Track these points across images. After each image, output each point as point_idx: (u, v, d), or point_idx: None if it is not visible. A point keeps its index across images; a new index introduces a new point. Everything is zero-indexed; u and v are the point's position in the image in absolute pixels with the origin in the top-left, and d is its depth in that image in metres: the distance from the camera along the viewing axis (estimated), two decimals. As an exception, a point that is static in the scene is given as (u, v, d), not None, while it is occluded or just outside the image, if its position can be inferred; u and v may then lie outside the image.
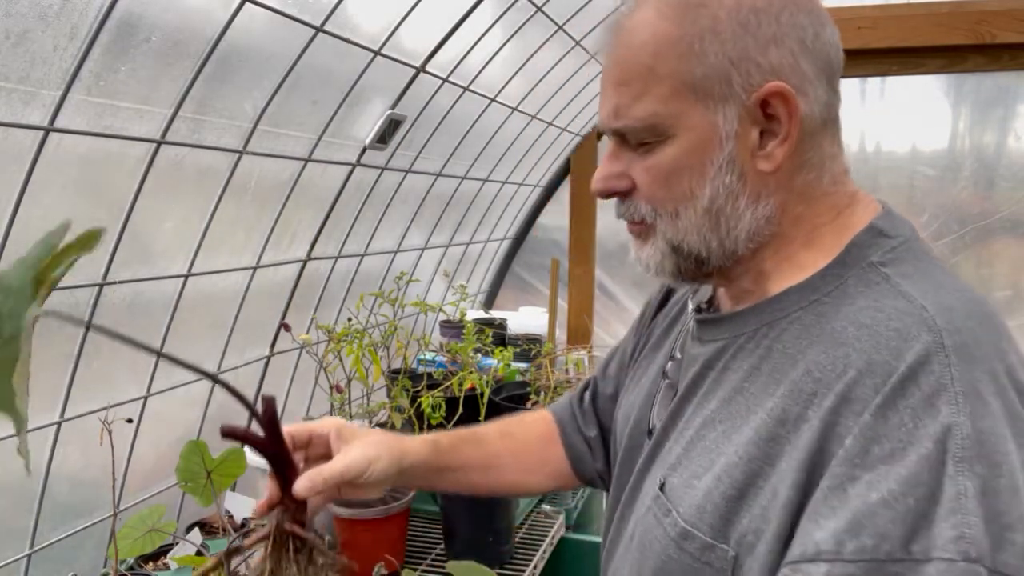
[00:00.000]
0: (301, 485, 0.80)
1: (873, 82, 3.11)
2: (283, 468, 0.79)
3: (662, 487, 0.77)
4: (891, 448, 0.59)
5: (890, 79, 3.09)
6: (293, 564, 0.75)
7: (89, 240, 0.56)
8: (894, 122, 3.12)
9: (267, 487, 0.81)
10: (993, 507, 0.57)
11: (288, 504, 0.79)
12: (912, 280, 0.68)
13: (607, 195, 0.77)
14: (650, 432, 0.86)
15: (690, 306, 0.88)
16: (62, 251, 0.56)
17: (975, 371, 0.61)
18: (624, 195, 0.76)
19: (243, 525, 1.59)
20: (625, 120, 0.72)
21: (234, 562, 0.75)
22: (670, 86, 0.70)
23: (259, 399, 0.74)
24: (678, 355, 0.87)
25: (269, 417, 0.76)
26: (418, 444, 0.98)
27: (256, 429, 0.76)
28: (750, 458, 0.68)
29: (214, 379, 0.63)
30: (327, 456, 0.90)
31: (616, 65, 0.73)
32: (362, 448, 0.90)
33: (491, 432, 1.10)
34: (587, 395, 1.11)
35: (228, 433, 0.73)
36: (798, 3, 0.70)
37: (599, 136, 3.51)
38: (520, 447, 1.10)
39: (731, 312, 0.78)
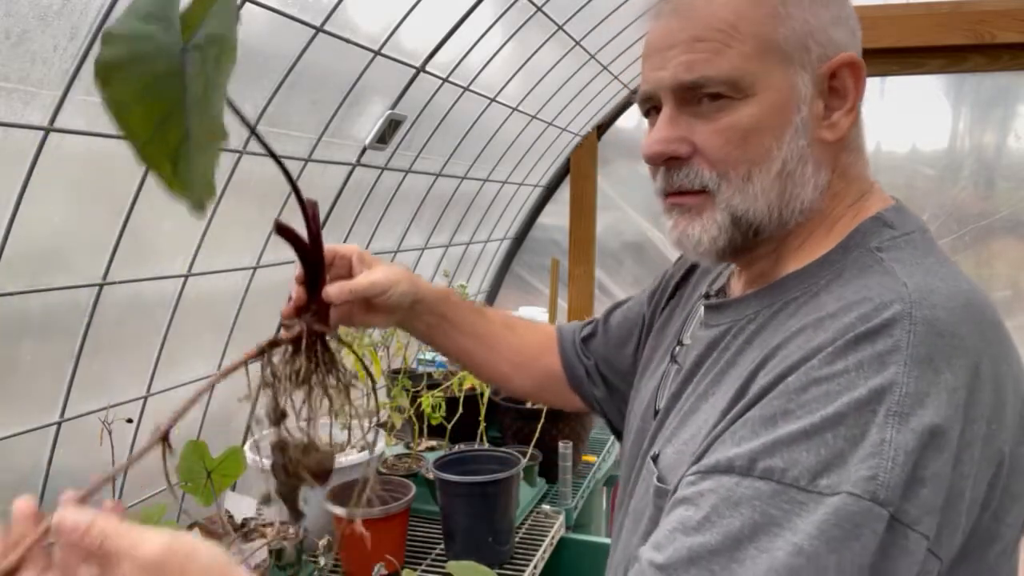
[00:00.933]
0: (332, 290, 0.85)
1: (873, 82, 3.11)
2: (316, 274, 0.81)
3: (655, 458, 0.80)
4: (828, 389, 0.62)
5: (890, 79, 3.09)
6: (319, 364, 0.78)
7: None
8: (894, 122, 3.12)
9: (295, 291, 0.84)
10: (914, 462, 0.59)
11: (315, 308, 0.82)
12: (903, 264, 0.69)
13: (663, 159, 0.76)
14: (656, 413, 0.89)
15: (699, 292, 0.92)
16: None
17: (939, 344, 0.62)
18: (680, 161, 0.75)
19: (243, 525, 1.59)
20: (704, 72, 0.71)
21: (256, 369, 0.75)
22: (754, 44, 0.71)
23: (307, 203, 0.79)
24: (687, 340, 0.90)
25: (315, 219, 0.78)
26: (432, 286, 1.05)
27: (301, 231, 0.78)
28: (720, 415, 0.70)
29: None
30: (347, 277, 0.96)
31: (689, 22, 0.73)
32: (385, 271, 0.97)
33: (496, 317, 1.14)
34: (586, 330, 1.16)
35: (281, 228, 0.76)
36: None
37: (599, 136, 3.51)
38: (518, 342, 1.14)
39: (737, 297, 0.81)
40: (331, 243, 0.89)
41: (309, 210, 0.79)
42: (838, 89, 0.73)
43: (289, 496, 0.74)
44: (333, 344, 0.81)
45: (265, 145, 0.66)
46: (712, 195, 0.74)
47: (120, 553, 0.52)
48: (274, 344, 0.78)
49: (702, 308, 0.87)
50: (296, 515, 0.75)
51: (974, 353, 0.63)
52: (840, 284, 0.70)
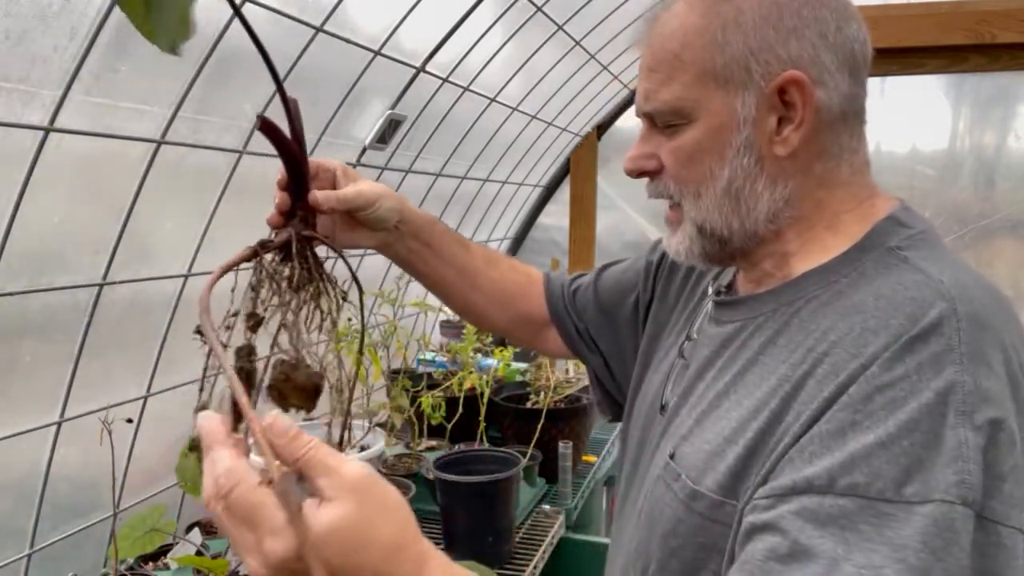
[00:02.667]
0: (322, 195, 0.85)
1: (873, 82, 3.06)
2: (300, 177, 0.81)
3: (672, 456, 0.79)
4: (893, 396, 0.62)
5: (890, 79, 3.09)
6: (310, 273, 0.77)
7: None
8: (894, 122, 3.12)
9: (278, 196, 0.83)
10: (990, 459, 0.60)
11: (302, 214, 0.81)
12: (929, 261, 0.71)
13: (637, 174, 0.81)
14: (663, 408, 0.88)
15: (710, 290, 0.91)
16: None
17: (985, 337, 0.64)
18: (653, 175, 0.80)
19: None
20: (653, 103, 0.77)
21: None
22: (694, 73, 0.75)
23: (290, 101, 0.79)
24: (695, 336, 0.89)
25: (297, 118, 0.78)
26: (417, 209, 1.04)
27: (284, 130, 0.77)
28: (761, 418, 0.70)
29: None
30: (333, 185, 0.94)
31: (649, 53, 0.79)
32: (371, 185, 0.96)
33: (479, 251, 1.13)
34: (576, 283, 1.16)
35: (265, 124, 0.75)
36: (828, 6, 0.74)
37: (599, 136, 3.51)
38: (499, 279, 1.14)
39: (751, 294, 0.81)
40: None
41: (292, 108, 0.77)
42: (792, 104, 0.73)
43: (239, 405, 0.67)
44: (321, 253, 0.78)
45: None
46: (680, 207, 0.80)
47: (326, 467, 0.53)
48: (264, 246, 0.76)
49: (711, 304, 0.87)
50: (237, 421, 0.66)
51: (1008, 343, 0.66)
52: (867, 282, 0.71)
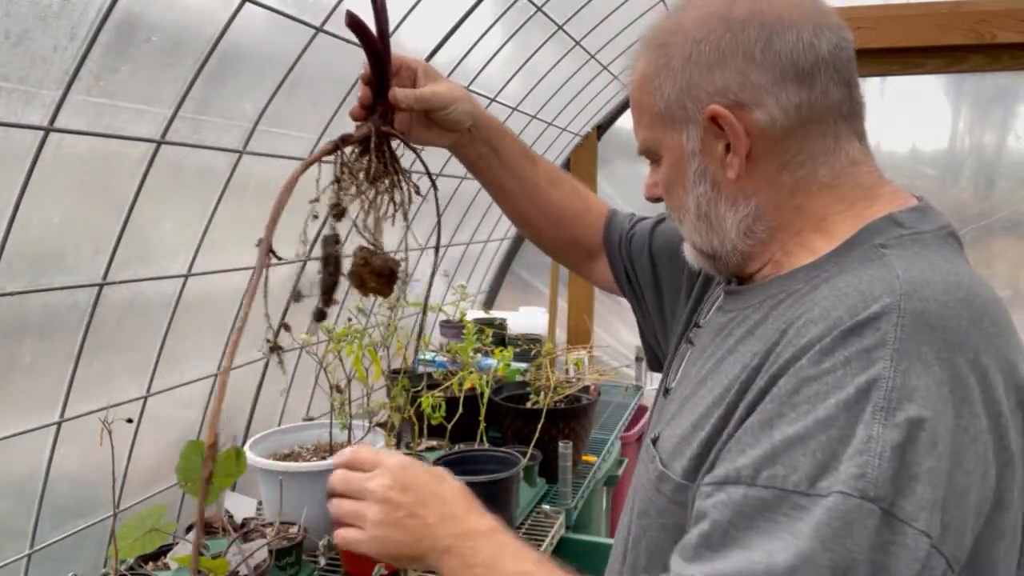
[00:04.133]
0: (399, 92, 0.91)
1: (873, 82, 3.11)
2: (383, 73, 0.86)
3: (655, 439, 0.83)
4: (817, 390, 0.64)
5: (890, 79, 3.09)
6: (386, 165, 0.84)
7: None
8: (894, 122, 3.12)
9: (361, 90, 0.90)
10: (905, 458, 0.60)
11: (382, 110, 0.87)
12: (905, 259, 0.70)
13: (653, 200, 0.89)
14: (666, 392, 0.93)
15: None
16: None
17: (926, 336, 0.63)
18: (662, 199, 0.88)
19: (243, 525, 1.59)
20: (638, 143, 0.87)
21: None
22: (648, 116, 0.83)
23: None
24: (702, 323, 0.94)
25: (384, 18, 0.82)
26: (492, 117, 1.10)
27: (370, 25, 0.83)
28: (722, 406, 0.73)
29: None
30: (414, 84, 0.99)
31: (630, 98, 0.87)
32: (449, 86, 1.01)
33: (545, 168, 1.17)
34: (634, 230, 1.18)
35: (352, 20, 0.80)
36: (747, 19, 0.76)
37: (599, 136, 3.51)
38: (559, 200, 1.18)
39: (747, 285, 0.84)
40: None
41: (379, 4, 0.82)
42: (729, 131, 0.76)
43: (328, 289, 0.80)
44: (399, 149, 0.85)
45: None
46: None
47: (377, 462, 0.86)
48: (345, 140, 0.82)
49: (721, 292, 0.91)
50: (322, 313, 0.80)
51: (969, 347, 0.64)
52: (840, 277, 0.72)
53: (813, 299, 0.71)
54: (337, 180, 0.81)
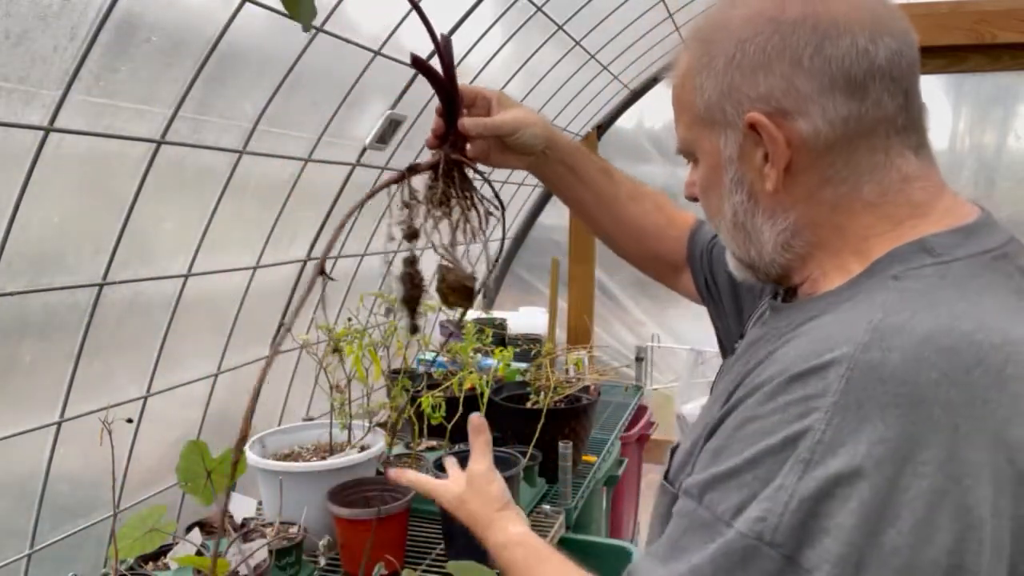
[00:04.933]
0: (468, 122, 0.98)
1: (873, 82, 3.11)
2: (453, 107, 0.95)
3: (674, 449, 0.86)
4: (755, 429, 0.65)
5: (890, 79, 3.09)
6: (455, 189, 0.92)
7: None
8: (894, 122, 3.12)
9: (434, 122, 0.97)
10: (816, 510, 0.60)
11: (453, 139, 0.95)
12: (906, 296, 0.66)
13: (691, 199, 0.87)
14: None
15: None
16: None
17: (874, 390, 0.60)
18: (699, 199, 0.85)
19: (243, 525, 1.59)
20: (677, 140, 0.83)
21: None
22: (688, 115, 0.79)
23: (440, 38, 0.94)
24: (746, 334, 0.93)
25: (447, 51, 0.93)
26: (567, 137, 1.14)
27: (436, 66, 0.94)
28: (710, 427, 0.75)
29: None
30: (488, 112, 1.06)
31: (671, 92, 0.84)
32: (518, 112, 1.07)
33: (624, 183, 1.19)
34: (715, 240, 1.18)
35: (416, 61, 0.91)
36: (798, 21, 0.71)
37: (599, 136, 3.51)
38: (640, 215, 1.19)
39: (788, 304, 0.81)
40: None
41: (443, 45, 0.92)
42: (768, 140, 0.72)
43: (411, 304, 0.90)
44: (470, 174, 0.94)
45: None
46: None
47: (436, 492, 1.12)
48: (413, 169, 0.89)
49: (768, 307, 0.88)
50: (414, 326, 0.90)
51: (931, 402, 0.59)
52: (835, 313, 0.69)
53: (801, 333, 0.70)
54: (406, 205, 0.88)
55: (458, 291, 0.89)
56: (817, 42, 0.70)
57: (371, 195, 0.85)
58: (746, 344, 0.85)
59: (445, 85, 0.91)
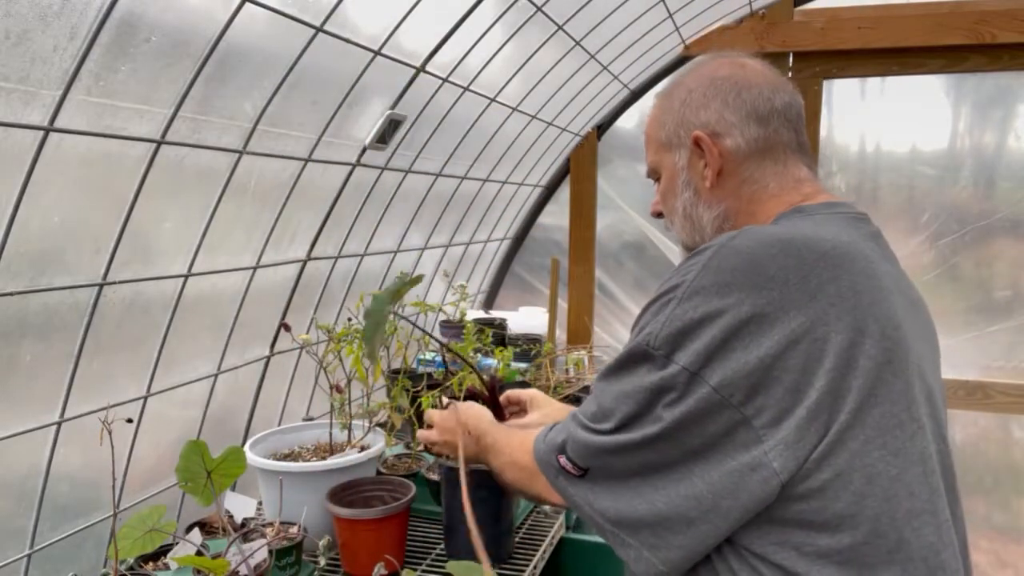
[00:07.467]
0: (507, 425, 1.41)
1: (873, 82, 3.11)
2: (496, 411, 1.44)
3: None
4: (661, 284, 0.98)
5: (890, 79, 3.09)
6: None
7: (417, 280, 1.43)
8: (894, 122, 3.12)
9: None
10: (692, 329, 0.91)
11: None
12: (778, 222, 1.05)
13: (656, 215, 1.21)
14: None
15: None
16: (405, 285, 1.41)
17: (730, 259, 0.92)
18: (661, 215, 1.21)
19: (243, 525, 1.59)
20: (646, 167, 1.21)
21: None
22: (655, 144, 1.17)
23: (487, 375, 1.52)
24: None
25: (493, 387, 1.49)
26: None
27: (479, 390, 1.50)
28: None
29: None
30: (522, 413, 1.51)
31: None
32: (541, 415, 1.46)
33: None
34: None
35: (469, 393, 1.51)
36: (727, 78, 1.10)
37: (599, 135, 3.51)
38: None
39: None
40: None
41: (491, 383, 1.48)
42: (706, 152, 1.09)
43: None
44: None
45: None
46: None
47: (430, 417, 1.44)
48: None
49: None
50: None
51: (768, 265, 0.90)
52: None
53: None
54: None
55: (480, 398, 1.50)
56: (737, 91, 1.09)
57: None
58: None
59: (488, 400, 1.47)
